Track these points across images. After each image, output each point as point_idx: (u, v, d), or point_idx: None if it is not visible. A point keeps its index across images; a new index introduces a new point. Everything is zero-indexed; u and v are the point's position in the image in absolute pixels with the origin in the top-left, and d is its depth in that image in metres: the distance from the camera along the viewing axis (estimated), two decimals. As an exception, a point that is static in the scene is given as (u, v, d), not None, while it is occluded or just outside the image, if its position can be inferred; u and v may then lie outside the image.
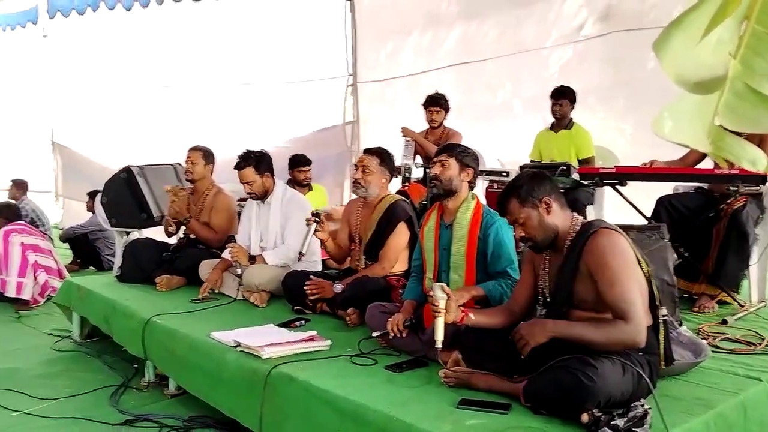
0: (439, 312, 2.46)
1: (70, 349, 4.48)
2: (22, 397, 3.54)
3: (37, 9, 10.24)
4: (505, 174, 4.43)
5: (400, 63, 6.75)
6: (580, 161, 5.05)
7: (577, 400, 2.09)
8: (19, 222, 5.98)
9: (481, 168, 3.59)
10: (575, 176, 4.33)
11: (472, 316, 2.54)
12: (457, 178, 2.99)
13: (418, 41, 6.60)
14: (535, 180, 2.47)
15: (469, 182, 3.04)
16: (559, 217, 2.43)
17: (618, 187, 3.99)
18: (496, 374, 2.40)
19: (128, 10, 8.98)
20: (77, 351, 4.44)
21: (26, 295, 5.50)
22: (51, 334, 4.80)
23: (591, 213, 4.39)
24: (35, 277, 5.58)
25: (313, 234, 3.59)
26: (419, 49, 6.60)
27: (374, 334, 2.97)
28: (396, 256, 3.63)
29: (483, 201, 3.22)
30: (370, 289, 3.42)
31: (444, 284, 2.52)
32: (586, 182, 4.25)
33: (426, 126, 5.48)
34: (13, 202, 7.02)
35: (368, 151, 3.76)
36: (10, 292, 5.46)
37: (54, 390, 3.65)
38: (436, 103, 5.36)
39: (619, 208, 4.17)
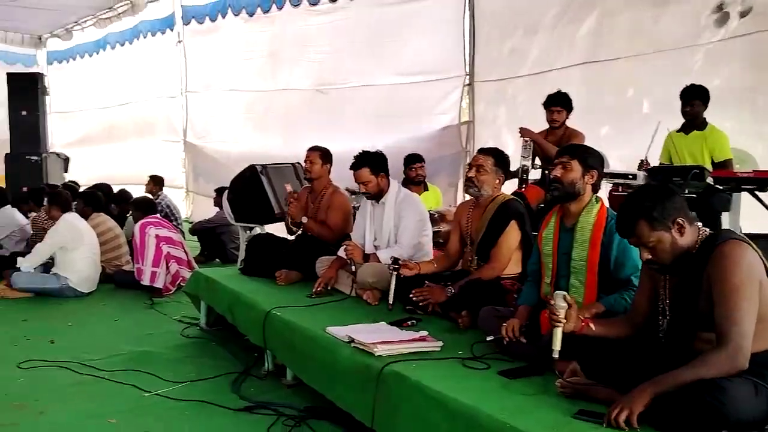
0: (559, 322, 2.38)
1: (196, 335, 4.75)
2: (153, 379, 3.79)
3: (173, 16, 10.99)
4: (631, 177, 4.22)
5: (522, 61, 6.57)
6: (714, 164, 4.72)
7: (704, 423, 1.96)
8: (154, 215, 6.41)
9: (605, 170, 3.44)
10: (709, 180, 4.07)
11: (592, 326, 2.44)
12: (580, 180, 2.89)
13: (542, 39, 6.40)
14: (666, 197, 2.26)
15: (592, 185, 2.93)
16: (690, 236, 2.26)
17: (757, 192, 3.70)
18: (615, 388, 2.28)
19: (251, 15, 9.46)
20: (203, 338, 4.69)
21: (159, 284, 5.90)
22: (180, 320, 5.11)
23: (726, 220, 4.09)
24: (167, 267, 5.97)
25: (397, 279, 3.63)
26: (543, 47, 6.39)
27: (488, 339, 2.92)
28: (508, 256, 3.56)
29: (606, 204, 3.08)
30: (482, 291, 3.38)
31: (566, 293, 2.44)
32: (721, 187, 3.98)
33: (546, 126, 5.33)
34: (150, 196, 7.54)
35: (483, 151, 3.73)
36: (145, 281, 5.87)
37: (181, 374, 3.88)
38: (557, 102, 5.18)
39: (758, 215, 3.86)
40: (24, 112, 10.14)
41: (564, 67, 6.16)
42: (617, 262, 2.82)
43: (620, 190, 4.36)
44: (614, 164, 4.87)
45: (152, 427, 3.18)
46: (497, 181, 3.65)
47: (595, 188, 2.97)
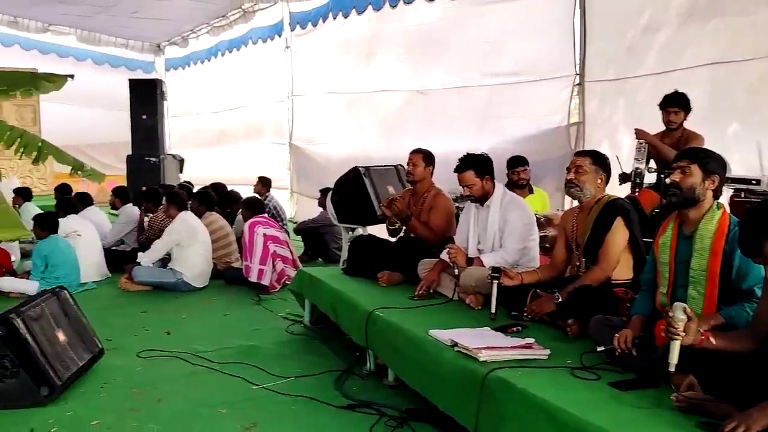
0: (678, 335, 2.27)
1: (300, 332, 4.89)
2: (260, 373, 3.94)
3: (282, 23, 11.38)
4: (754, 182, 3.95)
5: (641, 60, 6.25)
6: None
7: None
8: (262, 215, 6.65)
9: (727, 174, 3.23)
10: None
11: (712, 340, 2.32)
12: (700, 186, 2.74)
13: (663, 37, 6.07)
14: None
15: (713, 191, 2.77)
16: None
17: None
18: (735, 405, 2.14)
19: (345, 17, 9.61)
20: (307, 335, 4.82)
21: (265, 281, 6.11)
22: (285, 317, 5.27)
23: None
24: (274, 265, 6.17)
25: (498, 287, 3.56)
26: (664, 46, 6.06)
27: (599, 349, 2.82)
28: (617, 256, 3.42)
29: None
30: (592, 299, 3.25)
31: (686, 305, 2.33)
32: None
33: (662, 128, 5.07)
34: (258, 197, 7.83)
35: (579, 153, 3.71)
36: (253, 278, 6.09)
37: (286, 369, 4.01)
38: (675, 102, 4.91)
39: None
40: (144, 116, 10.84)
41: (689, 67, 5.80)
42: (739, 271, 2.65)
43: (743, 195, 4.08)
44: (736, 168, 4.57)
45: (260, 419, 3.30)
46: (599, 180, 3.54)
47: (716, 194, 2.81)
